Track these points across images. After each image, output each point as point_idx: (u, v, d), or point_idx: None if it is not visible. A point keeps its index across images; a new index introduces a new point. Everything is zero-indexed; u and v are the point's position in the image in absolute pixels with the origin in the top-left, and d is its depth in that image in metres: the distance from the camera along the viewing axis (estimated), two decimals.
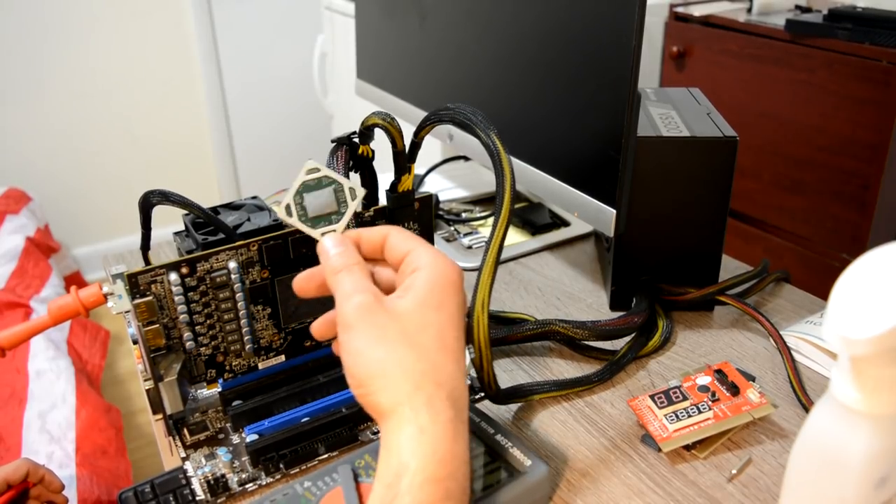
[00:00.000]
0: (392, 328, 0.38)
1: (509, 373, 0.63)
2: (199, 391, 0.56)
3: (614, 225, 0.61)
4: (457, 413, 0.37)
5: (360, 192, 0.46)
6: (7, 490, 0.60)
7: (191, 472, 0.51)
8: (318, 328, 0.45)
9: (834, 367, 0.38)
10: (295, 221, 0.45)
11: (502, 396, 0.56)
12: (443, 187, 0.99)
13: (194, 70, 2.33)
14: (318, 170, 0.45)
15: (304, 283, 0.45)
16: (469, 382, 0.60)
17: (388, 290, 0.42)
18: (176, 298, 0.50)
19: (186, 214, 0.55)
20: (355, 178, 0.53)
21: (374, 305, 0.39)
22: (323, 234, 0.44)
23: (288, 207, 0.45)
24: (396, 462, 0.36)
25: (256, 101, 2.42)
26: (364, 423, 0.56)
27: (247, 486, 0.51)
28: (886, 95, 1.30)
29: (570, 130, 0.65)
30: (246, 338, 0.54)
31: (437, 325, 0.39)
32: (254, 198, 0.59)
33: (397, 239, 0.43)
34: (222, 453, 0.52)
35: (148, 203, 0.52)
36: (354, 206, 0.45)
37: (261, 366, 0.56)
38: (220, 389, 0.55)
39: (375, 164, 0.56)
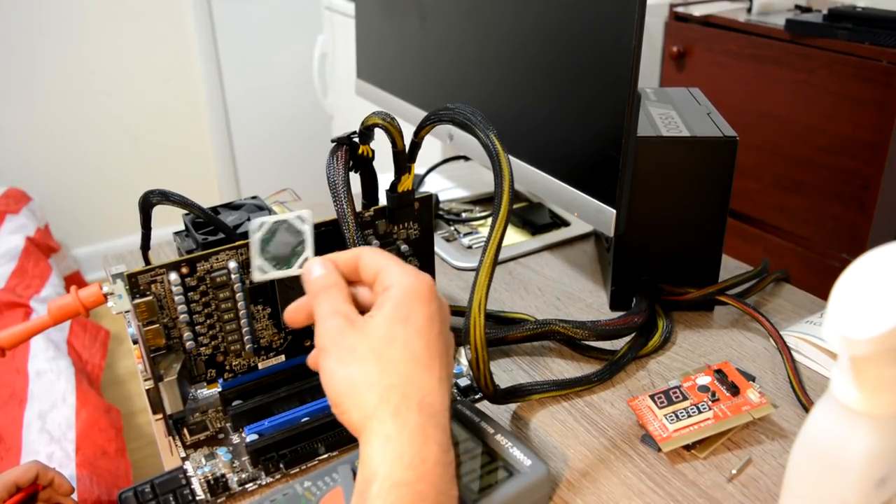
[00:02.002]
0: (361, 347, 0.40)
1: (509, 373, 0.63)
2: (199, 391, 0.56)
3: (614, 225, 0.61)
4: (428, 419, 0.39)
5: (307, 214, 0.48)
6: (16, 492, 0.60)
7: (191, 472, 0.51)
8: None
9: (834, 367, 0.38)
10: (273, 274, 0.47)
11: (501, 396, 0.56)
12: (443, 187, 0.99)
13: (194, 70, 2.34)
14: (263, 223, 0.47)
15: (293, 314, 0.46)
16: (469, 383, 0.60)
17: (368, 309, 0.43)
18: (176, 298, 0.50)
19: (186, 214, 0.55)
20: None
21: (345, 328, 0.41)
22: (300, 266, 0.46)
23: (260, 268, 0.47)
24: (368, 471, 0.37)
25: (256, 101, 2.42)
26: None
27: (247, 486, 0.51)
28: (886, 95, 1.30)
29: (570, 130, 0.65)
30: (246, 338, 0.54)
31: (403, 338, 0.41)
32: (254, 198, 0.59)
33: (368, 258, 0.44)
34: (222, 453, 0.53)
35: (148, 203, 0.53)
36: (309, 229, 0.47)
37: (261, 366, 0.56)
38: (220, 389, 0.55)
39: (375, 164, 0.56)
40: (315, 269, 0.44)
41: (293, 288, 0.55)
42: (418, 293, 0.42)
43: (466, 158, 1.07)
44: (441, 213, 0.92)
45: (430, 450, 0.38)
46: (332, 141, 0.53)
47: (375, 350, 0.40)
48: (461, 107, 0.51)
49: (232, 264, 0.52)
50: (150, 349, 0.51)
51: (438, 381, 0.41)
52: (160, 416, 0.52)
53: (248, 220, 0.56)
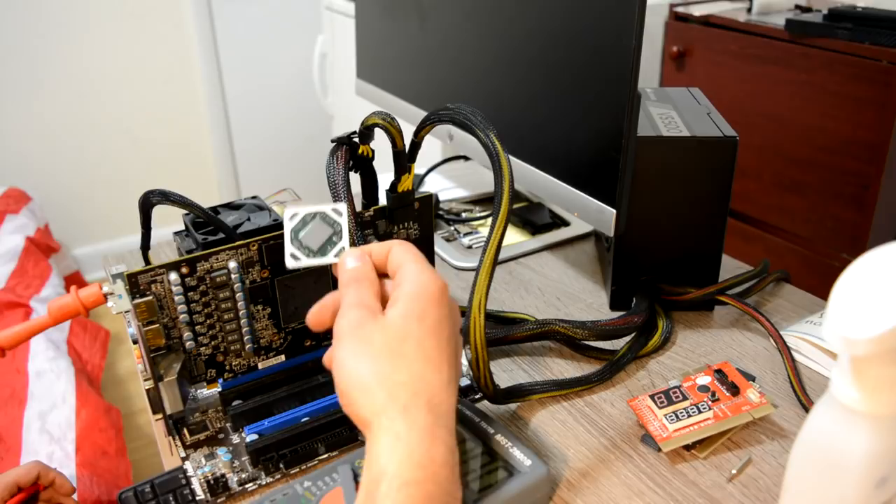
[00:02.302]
0: (376, 341, 0.40)
1: (509, 372, 0.63)
2: (199, 391, 0.56)
3: (614, 225, 0.61)
4: (436, 419, 0.39)
5: (343, 207, 0.47)
6: (18, 492, 0.60)
7: (191, 472, 0.51)
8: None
9: (834, 367, 0.38)
10: (306, 262, 0.46)
11: (501, 396, 0.56)
12: (443, 187, 0.99)
13: (194, 70, 2.34)
14: (296, 213, 0.47)
15: (318, 315, 0.45)
16: (469, 383, 0.60)
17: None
18: (176, 298, 0.50)
19: (186, 214, 0.55)
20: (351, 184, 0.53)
21: (365, 320, 0.41)
22: (336, 255, 0.46)
23: (293, 256, 0.46)
24: (376, 469, 0.37)
25: (256, 101, 2.42)
26: None
27: (247, 486, 0.51)
28: (886, 95, 1.30)
29: (570, 130, 0.65)
30: (246, 338, 0.54)
31: (417, 336, 0.41)
32: (254, 198, 0.59)
33: (396, 253, 0.44)
34: (222, 453, 0.53)
35: (148, 203, 0.53)
36: (345, 221, 0.47)
37: (261, 366, 0.56)
38: (220, 389, 0.55)
39: (375, 164, 0.56)
40: (350, 261, 0.44)
41: (293, 288, 0.55)
42: (431, 294, 0.42)
43: (466, 158, 1.07)
44: (441, 213, 0.92)
45: (438, 450, 0.38)
46: (332, 141, 0.53)
47: (390, 345, 0.40)
48: (461, 107, 0.51)
49: (232, 264, 0.52)
50: (150, 349, 0.51)
51: (447, 382, 0.41)
52: (160, 416, 0.52)
53: (248, 219, 0.56)
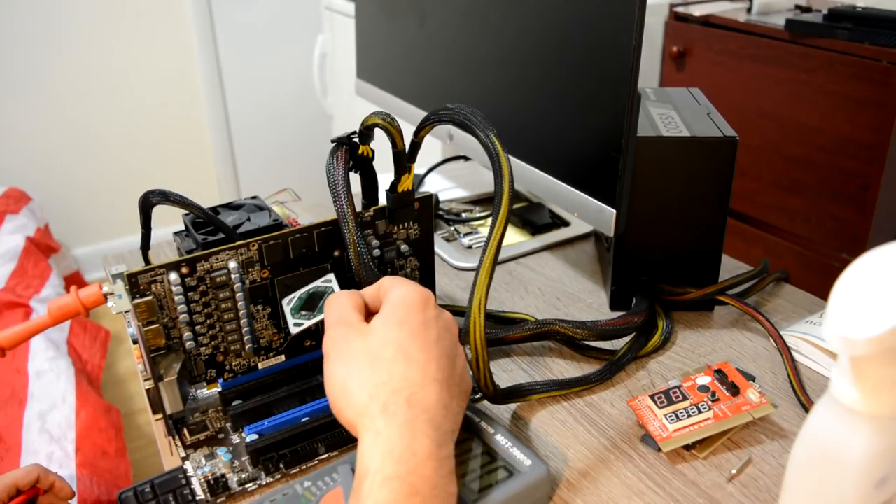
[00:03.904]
0: (357, 349, 0.43)
1: (509, 373, 0.63)
2: (199, 391, 0.56)
3: (614, 225, 0.61)
4: (418, 414, 0.40)
5: (331, 276, 0.53)
6: (17, 495, 0.60)
7: (191, 472, 0.51)
8: None
9: (834, 367, 0.38)
10: (309, 322, 0.52)
11: (501, 396, 0.56)
12: (443, 187, 0.99)
13: (194, 70, 2.34)
14: (292, 297, 0.53)
15: None
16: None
17: None
18: (176, 298, 0.50)
19: (186, 214, 0.55)
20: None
21: (347, 333, 0.44)
22: None
23: (296, 324, 0.52)
24: (361, 468, 0.38)
25: (256, 101, 2.42)
26: None
27: (247, 486, 0.51)
28: (886, 95, 1.30)
29: (569, 130, 0.65)
30: (246, 338, 0.54)
31: (398, 339, 0.43)
32: (254, 198, 0.59)
33: (385, 281, 0.48)
34: (222, 453, 0.53)
35: (148, 203, 0.53)
36: (336, 285, 0.53)
37: (261, 366, 0.56)
38: (220, 389, 0.55)
39: (375, 164, 0.56)
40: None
41: (294, 288, 0.55)
42: (413, 301, 0.44)
43: (466, 158, 1.07)
44: (441, 213, 0.92)
45: (420, 443, 0.39)
46: (332, 141, 0.53)
47: (371, 351, 0.42)
48: (461, 107, 0.52)
49: (232, 264, 0.52)
50: (150, 349, 0.51)
51: (432, 380, 0.42)
52: (160, 416, 0.52)
53: (248, 220, 0.56)
